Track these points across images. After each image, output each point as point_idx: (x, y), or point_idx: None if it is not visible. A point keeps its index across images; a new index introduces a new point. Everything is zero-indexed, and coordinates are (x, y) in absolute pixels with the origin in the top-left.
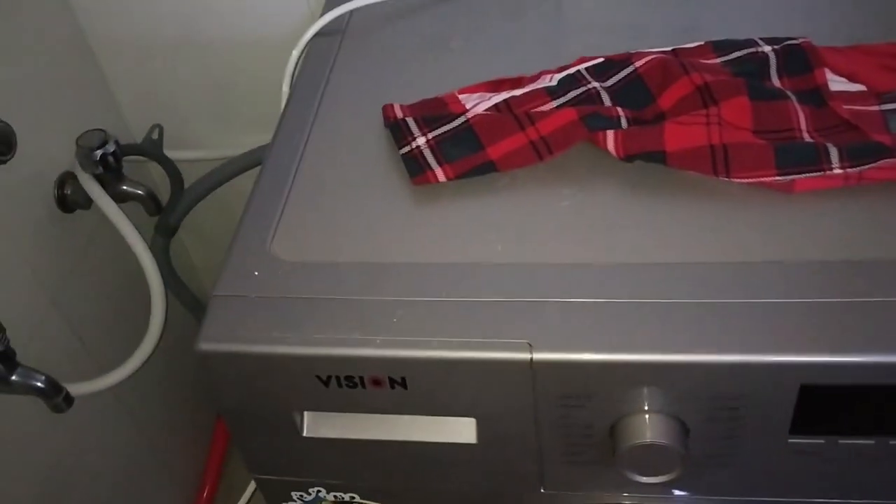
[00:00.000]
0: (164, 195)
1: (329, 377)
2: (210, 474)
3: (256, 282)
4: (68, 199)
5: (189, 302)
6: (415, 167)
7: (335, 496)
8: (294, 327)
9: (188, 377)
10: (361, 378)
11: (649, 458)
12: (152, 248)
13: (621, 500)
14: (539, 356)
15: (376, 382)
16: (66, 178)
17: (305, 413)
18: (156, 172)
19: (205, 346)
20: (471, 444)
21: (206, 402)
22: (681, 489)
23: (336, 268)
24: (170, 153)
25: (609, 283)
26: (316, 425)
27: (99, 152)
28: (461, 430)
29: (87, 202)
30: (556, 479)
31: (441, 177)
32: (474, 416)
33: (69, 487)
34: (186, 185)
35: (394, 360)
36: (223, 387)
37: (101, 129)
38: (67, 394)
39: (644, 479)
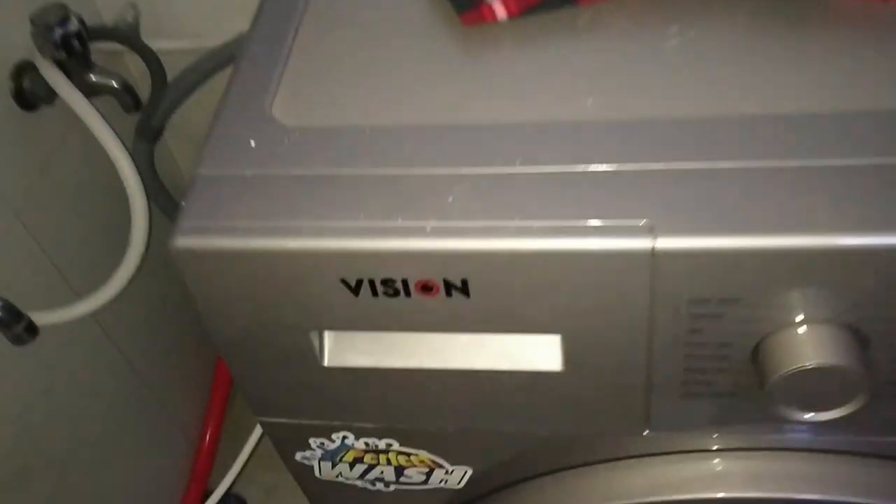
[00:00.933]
0: (144, 93)
1: (359, 282)
2: (212, 415)
3: (253, 155)
4: (27, 92)
5: (167, 204)
6: (464, 0)
7: (366, 443)
8: (308, 214)
9: (184, 304)
10: (405, 282)
11: (814, 386)
12: (134, 154)
13: (751, 443)
14: (664, 243)
15: (426, 288)
16: (24, 68)
17: (326, 334)
18: (133, 66)
19: (182, 241)
20: (553, 373)
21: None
22: (852, 430)
23: (363, 134)
24: (149, 43)
25: (751, 141)
26: (341, 351)
27: (59, 31)
28: (541, 353)
29: (51, 96)
30: (667, 418)
31: (501, 13)
32: (560, 333)
33: (46, 435)
34: (170, 80)
35: (451, 256)
36: (212, 301)
37: (60, 3)
38: (30, 322)
39: (807, 417)
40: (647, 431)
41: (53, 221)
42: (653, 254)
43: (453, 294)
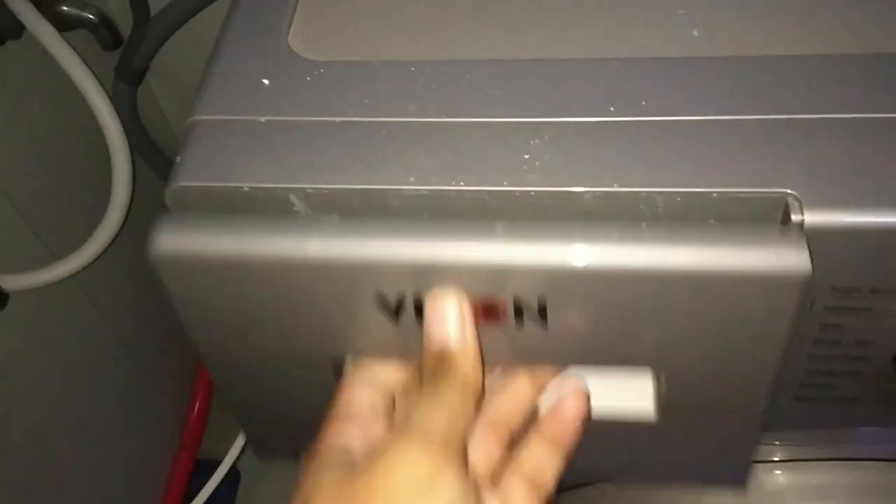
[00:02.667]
0: (126, 29)
1: (400, 302)
2: (201, 383)
3: (268, 96)
4: None
5: (164, 168)
6: None
7: None
8: (341, 174)
9: None
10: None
11: None
12: (114, 98)
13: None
14: (815, 218)
15: (490, 312)
16: None
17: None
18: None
19: (165, 244)
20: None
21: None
22: None
23: (405, 70)
24: None
25: None
26: None
27: None
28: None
29: (18, 28)
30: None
31: None
32: (654, 365)
33: (24, 404)
34: (153, 14)
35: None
36: (196, 301)
37: None
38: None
39: None
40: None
41: (25, 175)
42: (801, 230)
43: (523, 322)
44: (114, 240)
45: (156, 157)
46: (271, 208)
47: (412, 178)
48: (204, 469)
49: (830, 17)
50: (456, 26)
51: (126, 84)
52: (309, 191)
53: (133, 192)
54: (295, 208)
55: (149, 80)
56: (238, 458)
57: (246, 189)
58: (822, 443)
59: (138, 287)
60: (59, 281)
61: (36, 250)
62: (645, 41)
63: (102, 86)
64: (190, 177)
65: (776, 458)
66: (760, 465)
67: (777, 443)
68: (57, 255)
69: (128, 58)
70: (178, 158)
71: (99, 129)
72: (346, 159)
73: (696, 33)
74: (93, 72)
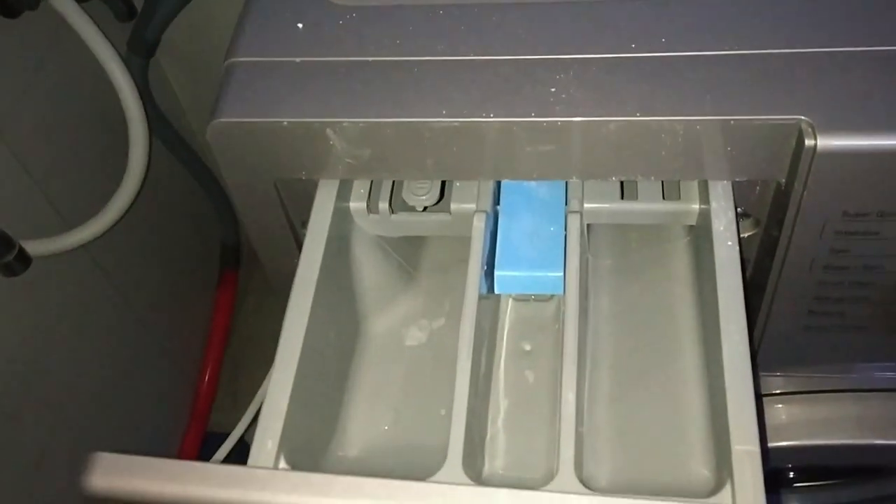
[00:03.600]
0: (138, 3)
1: None
2: (211, 354)
3: (302, 38)
4: None
5: (173, 141)
6: None
7: None
8: (378, 108)
9: (179, 238)
10: None
11: None
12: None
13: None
14: (828, 143)
15: None
16: None
17: None
18: None
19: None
20: None
21: (203, 270)
22: None
23: (433, 12)
24: None
25: None
26: None
27: None
28: None
29: (36, 0)
30: (781, 354)
31: None
32: None
33: (41, 371)
34: None
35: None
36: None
37: None
38: (21, 251)
39: None
40: None
41: (40, 143)
42: (813, 156)
43: None
44: (129, 208)
45: (166, 130)
46: (308, 141)
47: (444, 111)
48: (213, 441)
49: None
50: None
51: (138, 56)
52: (345, 124)
53: (149, 163)
54: (331, 142)
55: (158, 54)
56: (247, 430)
57: (285, 124)
58: (825, 375)
59: (150, 260)
60: (74, 251)
61: (51, 219)
62: None
63: (119, 54)
64: (231, 112)
65: (778, 392)
66: (764, 399)
67: (779, 374)
68: (71, 226)
69: (140, 30)
70: (218, 96)
71: (114, 99)
72: (379, 96)
73: None
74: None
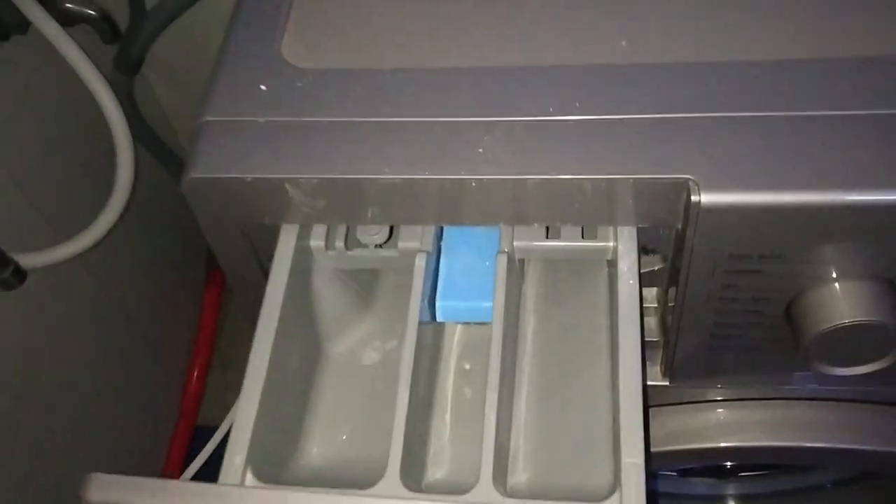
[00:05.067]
0: (123, 23)
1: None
2: (200, 353)
3: (265, 99)
4: None
5: (161, 153)
6: None
7: None
8: (329, 164)
9: (167, 242)
10: None
11: (851, 342)
12: (112, 87)
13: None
14: (711, 198)
15: None
16: None
17: None
18: None
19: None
20: None
21: (190, 270)
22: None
23: (381, 76)
24: None
25: (793, 87)
26: None
27: None
28: None
29: (23, 24)
30: (690, 370)
31: None
32: None
33: (37, 373)
34: (149, 6)
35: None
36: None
37: None
38: (17, 266)
39: (841, 371)
40: (668, 382)
41: (31, 160)
42: (698, 211)
43: None
44: (118, 220)
45: (154, 142)
46: (270, 193)
47: (387, 169)
48: (202, 435)
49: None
50: (427, 37)
51: (124, 74)
52: (301, 180)
53: (136, 176)
54: (289, 194)
55: (144, 70)
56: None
57: (249, 179)
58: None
59: (139, 262)
60: (68, 260)
61: (43, 233)
62: (581, 49)
63: (104, 75)
64: (203, 169)
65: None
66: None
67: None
68: (61, 236)
69: (125, 49)
70: (191, 153)
71: (99, 116)
72: (330, 154)
73: (624, 43)
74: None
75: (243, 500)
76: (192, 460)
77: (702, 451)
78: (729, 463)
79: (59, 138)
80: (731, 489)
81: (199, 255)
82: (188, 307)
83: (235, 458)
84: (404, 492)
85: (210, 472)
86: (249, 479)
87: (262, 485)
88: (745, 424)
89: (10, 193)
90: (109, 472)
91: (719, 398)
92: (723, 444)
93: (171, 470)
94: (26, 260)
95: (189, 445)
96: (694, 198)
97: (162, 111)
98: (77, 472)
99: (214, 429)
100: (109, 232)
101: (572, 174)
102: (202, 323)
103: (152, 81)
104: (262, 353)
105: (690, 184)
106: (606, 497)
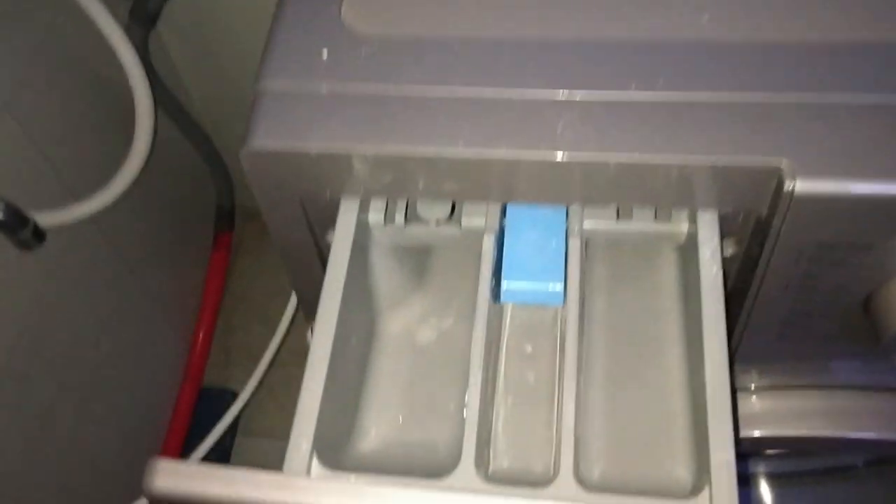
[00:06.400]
0: None
1: None
2: (206, 315)
3: (327, 67)
4: None
5: (174, 113)
6: None
7: None
8: (398, 140)
9: (175, 204)
10: None
11: None
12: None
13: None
14: (805, 186)
15: None
16: None
17: None
18: None
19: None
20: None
21: (198, 233)
22: None
23: (450, 47)
24: None
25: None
26: None
27: None
28: None
29: None
30: (749, 357)
31: None
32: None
33: (49, 329)
34: None
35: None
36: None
37: None
38: (36, 226)
39: None
40: None
41: (46, 116)
42: (791, 197)
43: None
44: (135, 181)
45: (169, 99)
46: (334, 168)
47: (461, 144)
48: (207, 397)
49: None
50: (498, 3)
51: (139, 27)
52: (369, 155)
53: (155, 132)
54: (354, 168)
55: (159, 28)
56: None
57: (312, 153)
58: (798, 372)
59: (148, 223)
60: (83, 220)
61: (55, 188)
62: (662, 23)
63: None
64: (263, 141)
65: (752, 385)
66: (739, 392)
67: (754, 371)
68: (75, 194)
69: (142, 1)
70: (249, 123)
71: (118, 74)
72: (399, 128)
73: (706, 18)
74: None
75: (320, 492)
76: (196, 422)
77: (760, 439)
78: None
79: (75, 93)
80: (761, 467)
81: (208, 218)
82: (195, 268)
83: (302, 444)
84: (480, 483)
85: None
86: (315, 465)
87: (330, 472)
88: (808, 413)
89: (25, 149)
90: (117, 430)
91: (779, 384)
92: (780, 433)
93: (177, 430)
94: (42, 219)
95: (194, 407)
96: (787, 185)
97: (174, 70)
98: (87, 428)
99: (219, 391)
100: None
101: (656, 157)
102: (208, 286)
103: (166, 39)
104: (326, 332)
105: (783, 170)
106: (692, 493)
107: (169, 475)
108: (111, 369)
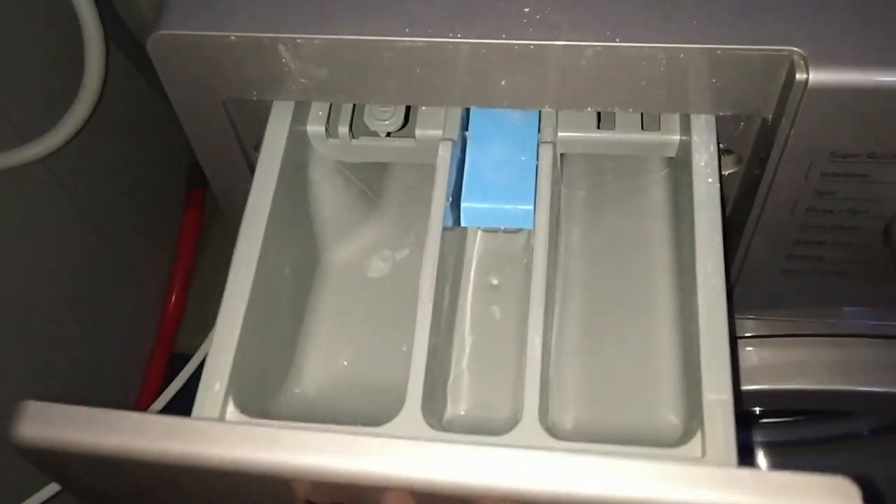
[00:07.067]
0: None
1: None
2: (178, 276)
3: None
4: None
5: (138, 59)
6: None
7: None
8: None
9: (144, 158)
10: None
11: None
12: None
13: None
14: (820, 77)
15: None
16: None
17: None
18: None
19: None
20: None
21: (169, 190)
22: None
23: None
24: None
25: None
26: None
27: None
28: None
29: None
30: (748, 297)
31: None
32: None
33: (2, 292)
34: None
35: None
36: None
37: None
38: None
39: None
40: None
41: None
42: (804, 89)
43: None
44: (86, 122)
45: (129, 44)
46: (259, 58)
47: (408, 29)
48: (179, 363)
49: None
50: None
51: None
52: (299, 41)
53: (106, 73)
54: (283, 60)
55: None
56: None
57: (232, 38)
58: (800, 319)
59: (114, 178)
60: (32, 166)
61: (7, 132)
62: None
63: None
64: (175, 24)
65: (750, 335)
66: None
67: (752, 317)
68: (26, 139)
69: None
70: (162, 6)
71: (69, 7)
72: (337, 10)
73: None
74: None
75: (223, 438)
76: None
77: (759, 392)
78: (758, 409)
79: (20, 26)
80: (758, 436)
81: (180, 174)
82: (167, 227)
83: (214, 385)
84: (427, 430)
85: (187, 404)
86: (231, 411)
87: (247, 419)
88: (808, 364)
89: None
90: (82, 401)
91: (780, 333)
92: (781, 387)
93: (147, 397)
94: None
95: (166, 373)
96: (800, 75)
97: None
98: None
99: (191, 356)
100: (79, 135)
101: (644, 42)
102: (181, 245)
103: None
104: (248, 256)
105: (795, 57)
106: (682, 440)
107: (40, 420)
108: (76, 332)
